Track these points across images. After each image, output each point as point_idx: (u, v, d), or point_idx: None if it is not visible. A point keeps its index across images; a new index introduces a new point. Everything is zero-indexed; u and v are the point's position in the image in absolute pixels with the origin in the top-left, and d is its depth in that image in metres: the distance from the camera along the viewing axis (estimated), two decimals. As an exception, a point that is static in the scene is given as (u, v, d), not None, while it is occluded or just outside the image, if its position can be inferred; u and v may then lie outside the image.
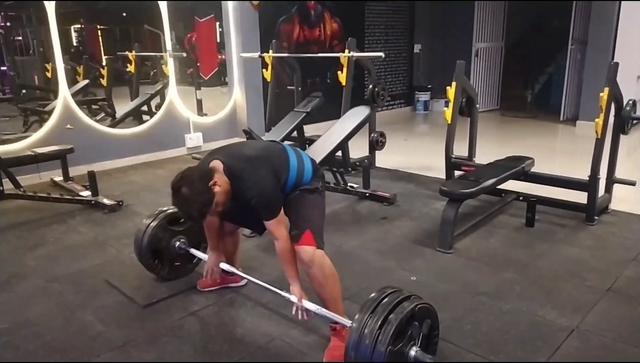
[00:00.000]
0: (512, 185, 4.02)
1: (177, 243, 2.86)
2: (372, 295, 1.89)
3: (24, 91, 6.13)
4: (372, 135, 5.18)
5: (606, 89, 3.46)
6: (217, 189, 2.09)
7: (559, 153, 6.48)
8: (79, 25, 6.41)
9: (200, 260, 2.94)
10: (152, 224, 2.81)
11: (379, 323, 1.76)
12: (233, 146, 2.40)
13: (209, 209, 2.11)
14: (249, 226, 2.70)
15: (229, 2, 6.36)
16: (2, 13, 5.62)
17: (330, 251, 2.35)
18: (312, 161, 2.40)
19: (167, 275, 2.91)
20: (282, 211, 2.19)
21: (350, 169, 4.87)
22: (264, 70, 5.57)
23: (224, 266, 2.61)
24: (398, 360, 1.78)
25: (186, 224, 2.88)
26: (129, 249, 3.43)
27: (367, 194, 4.34)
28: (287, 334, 2.42)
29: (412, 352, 1.82)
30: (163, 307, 2.68)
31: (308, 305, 2.20)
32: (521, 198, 3.98)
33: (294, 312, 2.25)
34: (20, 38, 5.99)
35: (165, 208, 2.88)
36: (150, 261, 2.83)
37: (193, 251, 2.86)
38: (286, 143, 4.93)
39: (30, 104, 5.97)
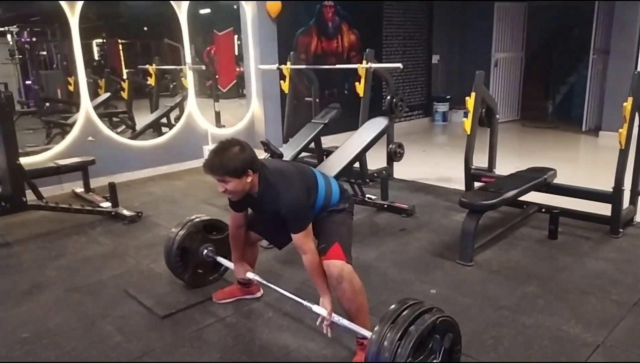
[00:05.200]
0: (533, 197, 3.95)
1: (205, 250, 2.89)
2: (393, 306, 1.86)
3: (47, 104, 6.26)
4: (390, 146, 5.15)
5: (630, 99, 3.40)
6: (248, 179, 2.12)
7: (582, 164, 6.37)
8: (101, 40, 6.55)
9: (220, 276, 3.00)
10: (190, 223, 2.86)
11: (399, 335, 1.73)
12: (267, 160, 2.43)
13: (233, 178, 2.09)
14: (271, 238, 2.69)
15: (247, 15, 6.43)
16: (28, 29, 5.77)
17: (349, 263, 2.33)
18: (340, 185, 2.43)
19: (188, 279, 2.92)
20: (310, 225, 2.18)
21: (368, 180, 4.84)
22: (281, 82, 5.60)
23: (250, 275, 2.62)
24: None
25: (220, 234, 2.91)
26: (148, 260, 3.47)
27: (386, 206, 4.31)
28: (305, 346, 2.39)
29: None
30: (181, 318, 2.69)
31: (336, 318, 2.18)
32: (543, 210, 3.90)
33: (318, 323, 2.24)
34: (44, 53, 6.14)
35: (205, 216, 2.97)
36: (177, 258, 2.84)
37: (220, 259, 2.87)
38: (304, 154, 4.99)
39: (53, 117, 6.09)
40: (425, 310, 1.83)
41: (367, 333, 2.02)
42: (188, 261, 2.89)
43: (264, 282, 2.59)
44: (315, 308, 2.23)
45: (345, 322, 2.16)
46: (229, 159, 2.07)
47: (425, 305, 1.87)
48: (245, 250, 2.65)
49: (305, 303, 2.30)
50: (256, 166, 2.15)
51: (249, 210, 2.50)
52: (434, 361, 1.79)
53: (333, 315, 2.18)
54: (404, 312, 1.81)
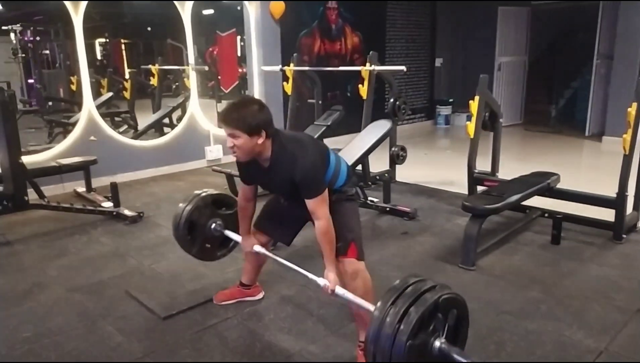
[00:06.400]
0: (536, 201, 3.94)
1: (214, 224, 2.81)
2: (395, 283, 1.80)
3: (49, 103, 6.27)
4: (393, 149, 5.13)
5: (634, 104, 3.39)
6: (259, 140, 2.08)
7: (585, 169, 6.35)
8: (104, 40, 6.55)
9: (228, 252, 2.93)
10: (199, 197, 2.80)
11: (399, 316, 1.67)
12: (280, 129, 2.34)
13: (244, 134, 2.05)
14: (279, 231, 2.63)
15: (251, 16, 6.43)
16: (32, 28, 5.77)
17: (351, 266, 2.31)
18: (348, 166, 2.40)
19: (196, 253, 2.85)
20: (326, 191, 2.15)
21: (370, 183, 4.83)
22: (284, 83, 5.59)
23: (257, 248, 2.55)
24: (421, 353, 1.68)
25: (229, 210, 2.85)
26: (149, 260, 3.46)
27: (388, 209, 4.29)
28: (306, 349, 2.38)
29: (437, 344, 1.72)
30: (182, 319, 2.68)
31: (340, 291, 2.14)
32: (546, 215, 3.89)
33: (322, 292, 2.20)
34: (47, 52, 6.15)
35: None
36: (184, 231, 2.76)
37: (228, 232, 2.80)
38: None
39: (55, 116, 6.10)
40: (428, 289, 1.75)
41: (372, 307, 1.95)
42: (196, 235, 2.82)
43: (271, 255, 2.52)
44: (320, 280, 2.19)
45: (349, 296, 2.12)
46: (245, 113, 2.05)
47: (428, 283, 1.79)
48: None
49: (310, 275, 2.26)
50: (270, 130, 2.12)
51: (255, 206, 2.50)
52: (438, 339, 1.72)
53: (337, 287, 2.14)
54: (406, 291, 1.74)
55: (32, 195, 3.98)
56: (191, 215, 2.75)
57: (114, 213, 4.30)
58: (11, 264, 3.48)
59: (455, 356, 1.71)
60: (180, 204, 2.80)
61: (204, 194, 2.83)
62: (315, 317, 2.67)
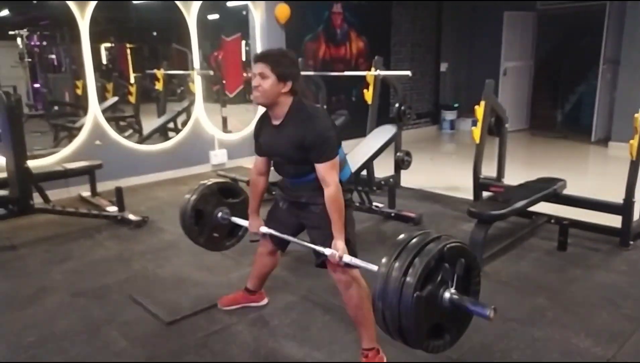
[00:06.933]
0: (543, 207, 3.91)
1: (220, 213, 2.79)
2: (400, 237, 1.76)
3: (55, 107, 6.29)
4: (398, 154, 5.12)
5: (641, 110, 3.37)
6: (284, 89, 2.13)
7: (591, 175, 6.31)
8: (110, 44, 6.57)
9: (237, 241, 2.91)
10: (205, 185, 2.79)
11: (404, 269, 1.62)
12: None
13: (274, 75, 2.10)
14: (279, 239, 2.62)
15: (256, 20, 6.44)
16: (38, 32, 5.80)
17: (356, 272, 2.30)
18: (350, 171, 2.40)
19: (204, 242, 2.84)
20: (337, 158, 2.14)
21: (375, 188, 4.81)
22: (289, 88, 5.59)
23: (263, 229, 2.52)
24: (431, 305, 1.64)
25: (235, 199, 2.83)
26: (153, 265, 3.46)
27: (393, 214, 4.27)
28: (311, 355, 2.37)
29: (447, 295, 1.66)
30: (187, 325, 2.67)
31: (347, 258, 2.12)
32: (553, 221, 3.86)
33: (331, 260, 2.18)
34: (53, 56, 6.17)
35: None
36: (192, 220, 2.74)
37: (235, 219, 2.78)
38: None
39: (60, 120, 6.11)
40: (432, 239, 1.70)
41: (373, 267, 1.92)
42: (204, 225, 2.80)
43: (277, 233, 2.47)
44: (327, 250, 2.16)
45: (357, 262, 2.10)
46: (281, 59, 2.13)
47: (432, 235, 1.74)
48: (264, 259, 2.64)
49: (317, 247, 2.23)
50: (296, 86, 2.16)
51: (267, 182, 2.51)
52: (447, 290, 1.67)
53: (345, 255, 2.11)
54: (410, 243, 1.69)
55: (37, 199, 3.98)
56: (197, 204, 2.73)
57: (119, 218, 4.30)
58: (16, 268, 3.48)
59: (469, 305, 1.65)
60: (187, 196, 2.78)
61: (209, 183, 2.81)
62: (320, 324, 2.65)
